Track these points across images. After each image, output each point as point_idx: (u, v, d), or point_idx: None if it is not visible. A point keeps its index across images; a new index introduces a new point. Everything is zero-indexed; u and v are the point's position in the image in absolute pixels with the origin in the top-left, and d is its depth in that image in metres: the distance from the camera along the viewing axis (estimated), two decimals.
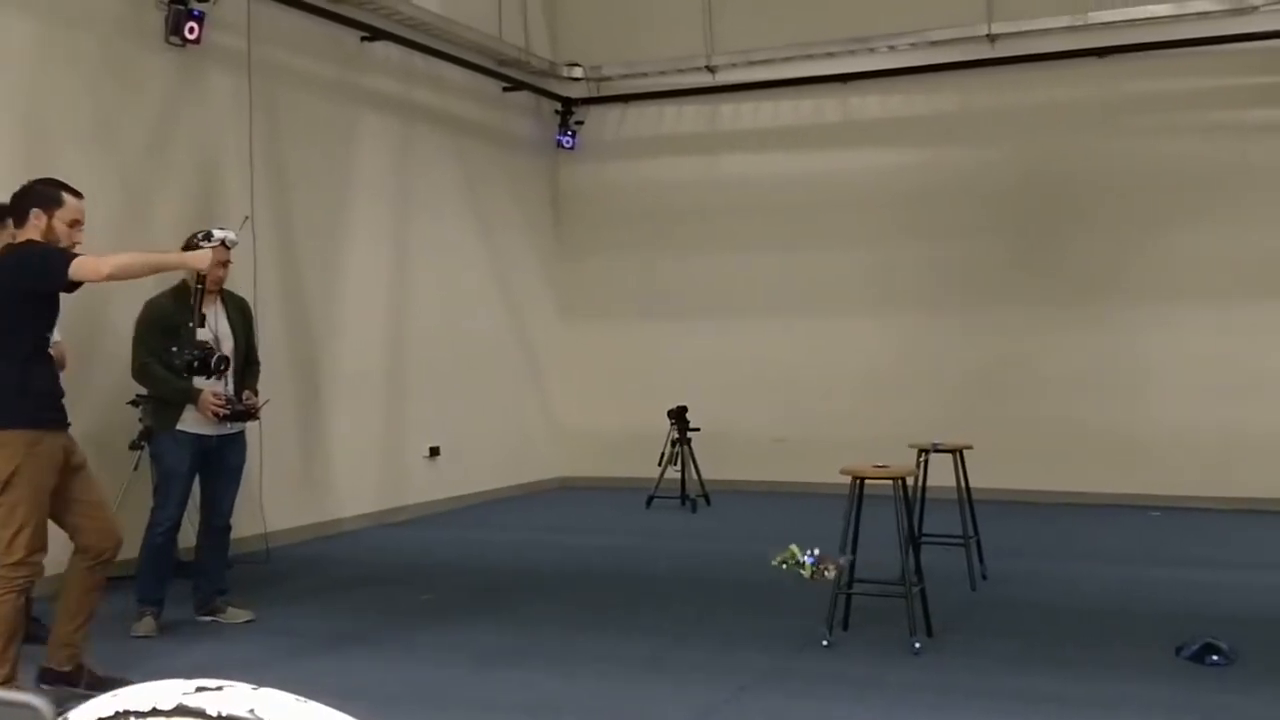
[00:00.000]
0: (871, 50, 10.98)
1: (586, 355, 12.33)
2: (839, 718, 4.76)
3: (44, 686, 4.62)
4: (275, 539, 8.20)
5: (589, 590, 7.33)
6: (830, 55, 11.07)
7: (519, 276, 11.83)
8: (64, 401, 4.77)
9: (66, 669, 4.72)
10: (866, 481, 5.81)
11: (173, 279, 6.09)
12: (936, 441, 7.08)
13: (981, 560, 7.17)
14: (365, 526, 9.46)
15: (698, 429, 10.48)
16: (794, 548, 5.56)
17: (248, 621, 6.22)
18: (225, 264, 6.02)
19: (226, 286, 6.28)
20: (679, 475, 10.37)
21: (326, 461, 9.30)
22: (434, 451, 10.43)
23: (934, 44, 10.74)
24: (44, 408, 4.64)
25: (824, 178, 11.52)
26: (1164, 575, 7.61)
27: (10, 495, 4.50)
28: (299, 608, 6.70)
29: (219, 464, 6.15)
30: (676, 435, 10.44)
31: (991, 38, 10.49)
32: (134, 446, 6.87)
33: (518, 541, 9.19)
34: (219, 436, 6.06)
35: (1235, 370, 10.11)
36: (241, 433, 6.24)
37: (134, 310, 6.14)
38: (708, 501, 10.48)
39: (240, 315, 6.28)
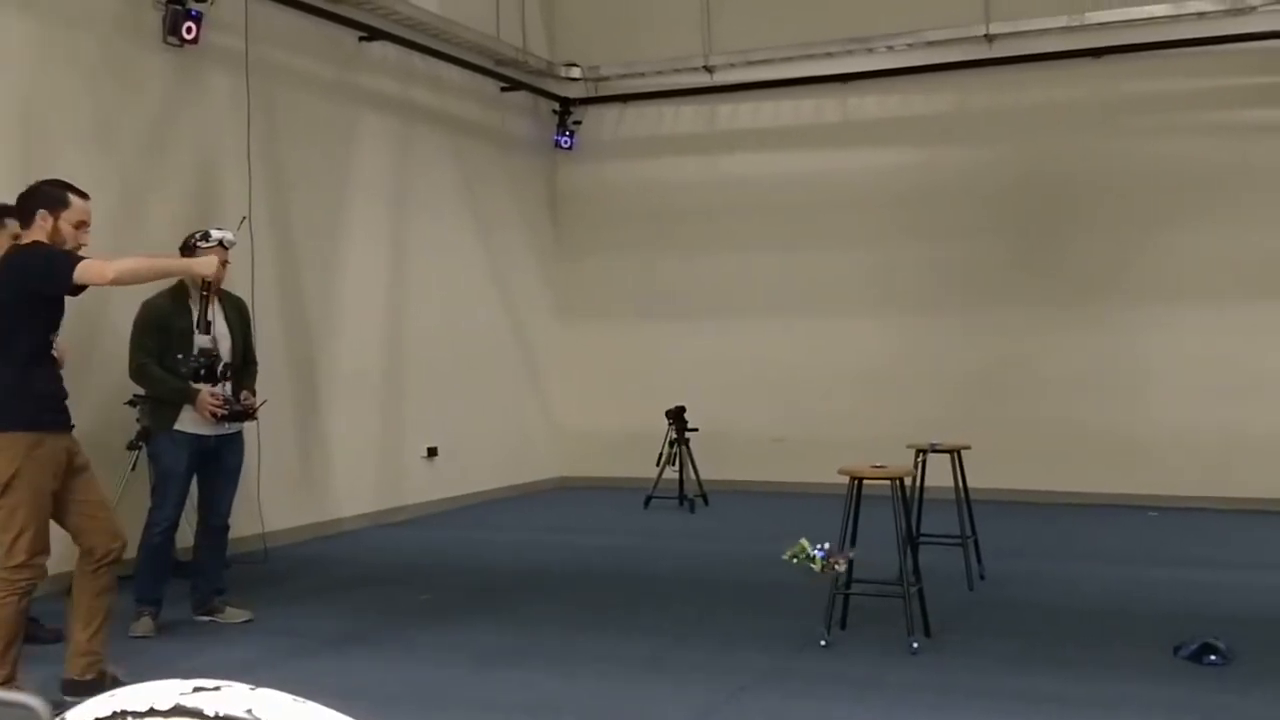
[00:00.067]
0: (870, 50, 10.98)
1: (585, 355, 12.33)
2: (838, 718, 4.76)
3: (68, 699, 4.60)
4: (273, 539, 8.19)
5: (588, 590, 7.33)
6: (829, 55, 11.08)
7: (517, 276, 11.83)
8: (66, 403, 4.75)
9: (89, 678, 4.63)
10: (865, 482, 5.81)
11: (171, 279, 6.08)
12: (934, 442, 7.08)
13: (980, 560, 7.17)
14: (363, 526, 9.46)
15: (696, 429, 10.48)
16: (804, 542, 5.57)
17: (246, 621, 6.22)
18: (223, 264, 6.01)
19: (224, 286, 6.27)
20: (677, 475, 10.37)
21: (325, 461, 9.29)
22: (432, 452, 10.43)
23: (932, 44, 10.74)
24: (46, 409, 4.61)
25: (823, 178, 11.52)
26: (1163, 575, 7.61)
27: (10, 498, 4.48)
28: (297, 608, 6.70)
29: (217, 464, 6.15)
30: (675, 435, 10.44)
31: (989, 38, 10.49)
32: (132, 447, 6.87)
33: (516, 541, 9.19)
34: (217, 437, 6.06)
35: (1234, 370, 10.12)
36: (239, 433, 6.24)
37: (132, 310, 6.13)
38: (706, 502, 10.48)
39: (238, 315, 6.28)
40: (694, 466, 10.43)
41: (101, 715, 1.17)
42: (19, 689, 4.47)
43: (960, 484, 7.05)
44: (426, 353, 10.35)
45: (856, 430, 10.42)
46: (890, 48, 10.92)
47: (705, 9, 11.59)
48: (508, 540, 9.25)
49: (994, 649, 5.68)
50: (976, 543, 7.17)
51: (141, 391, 6.36)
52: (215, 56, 8.23)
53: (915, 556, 5.98)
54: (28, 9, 7.02)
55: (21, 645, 4.63)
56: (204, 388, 5.91)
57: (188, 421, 5.97)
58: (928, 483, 7.03)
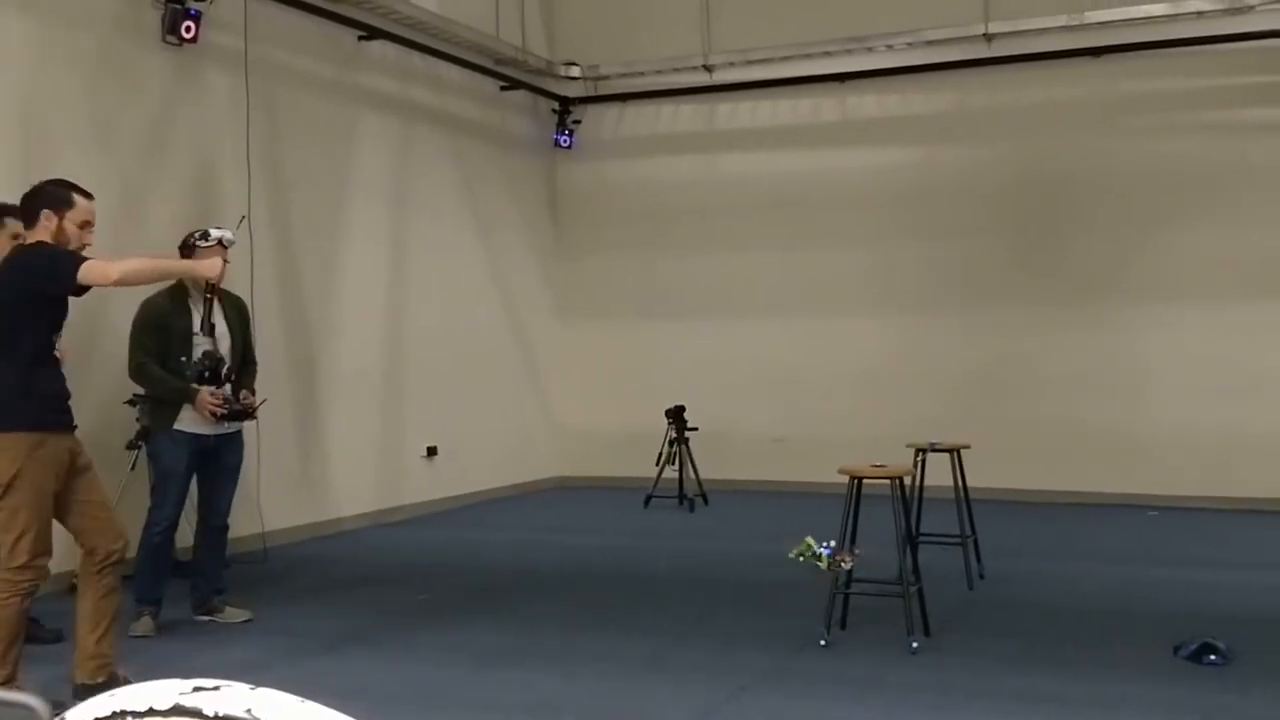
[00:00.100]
0: (869, 50, 10.98)
1: (584, 355, 12.33)
2: (838, 718, 4.75)
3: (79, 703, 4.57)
4: (273, 539, 8.19)
5: (588, 590, 7.33)
6: (828, 55, 11.08)
7: (517, 276, 11.83)
8: (69, 403, 4.73)
9: (100, 680, 4.59)
10: (864, 481, 5.81)
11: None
12: (934, 441, 7.08)
13: (979, 560, 7.17)
14: (363, 526, 9.46)
15: (695, 429, 10.48)
16: (809, 540, 5.57)
17: (245, 621, 6.22)
18: (223, 263, 6.01)
19: (223, 285, 6.25)
20: (677, 475, 10.37)
21: (324, 461, 9.29)
22: (432, 451, 10.42)
23: (931, 43, 10.74)
24: (49, 410, 4.59)
25: (822, 177, 11.52)
26: (1162, 575, 7.61)
27: (12, 499, 4.46)
28: (297, 607, 6.70)
29: (216, 464, 6.15)
30: (674, 435, 10.44)
31: (988, 37, 10.49)
32: (131, 446, 6.87)
33: (516, 541, 9.19)
34: (216, 436, 6.05)
35: (1234, 370, 10.11)
36: (239, 432, 6.23)
37: (132, 310, 6.13)
38: (705, 501, 10.48)
39: (237, 315, 6.28)
40: (694, 466, 10.43)
41: (101, 715, 1.17)
42: (20, 689, 4.47)
43: (960, 483, 7.05)
44: (426, 352, 10.35)
45: (856, 430, 10.42)
46: (889, 47, 10.92)
47: (705, 8, 11.59)
48: (507, 540, 9.25)
49: (993, 649, 5.68)
50: (976, 542, 7.17)
51: (141, 391, 6.35)
52: (214, 56, 8.23)
53: (915, 556, 5.98)
54: (27, 9, 7.02)
55: (23, 645, 4.62)
56: (204, 387, 5.90)
57: (187, 421, 5.97)
58: (927, 482, 7.03)
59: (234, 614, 6.25)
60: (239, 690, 1.16)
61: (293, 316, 8.98)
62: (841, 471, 5.87)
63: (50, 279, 4.53)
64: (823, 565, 5.57)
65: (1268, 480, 9.93)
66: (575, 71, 11.97)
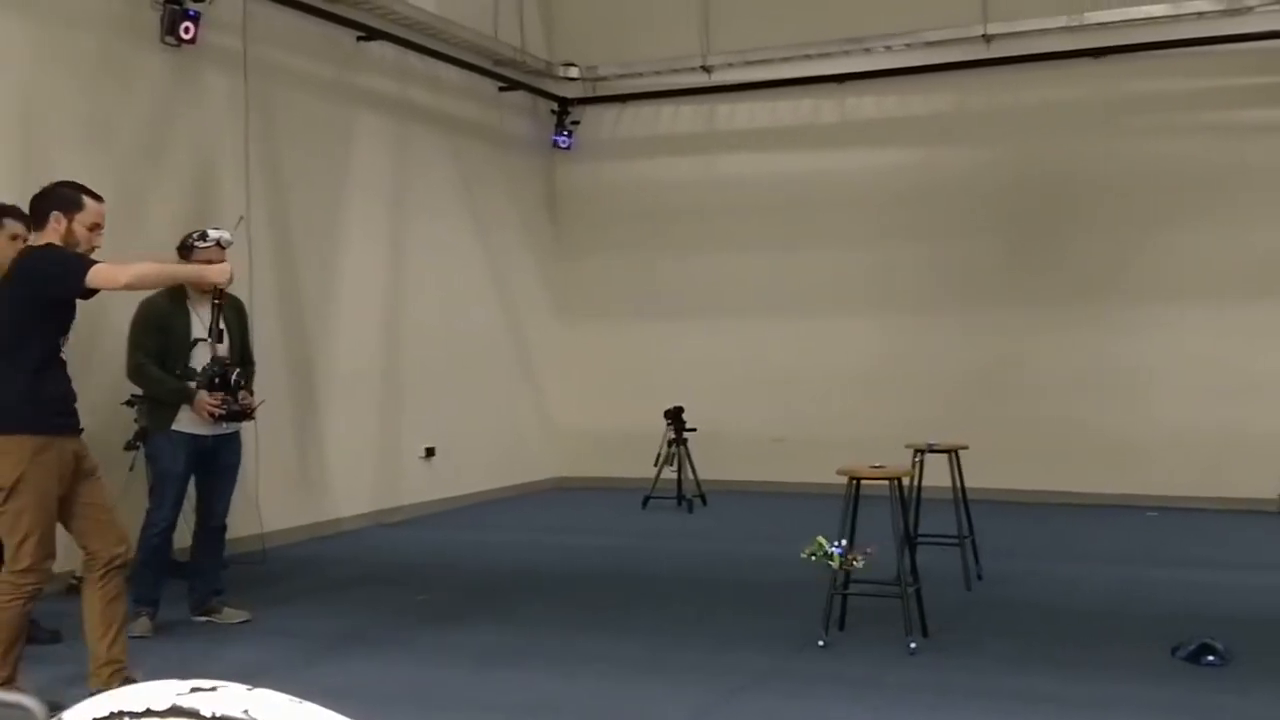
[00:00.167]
0: (867, 51, 10.98)
1: (583, 355, 12.33)
2: (836, 718, 4.76)
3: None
4: (271, 539, 8.18)
5: (586, 591, 7.33)
6: (826, 56, 11.07)
7: (515, 276, 11.83)
8: (75, 406, 4.70)
9: (116, 686, 4.60)
10: (863, 482, 5.81)
11: None
12: (932, 442, 7.08)
13: (977, 560, 7.17)
14: (361, 527, 9.46)
15: (694, 429, 10.47)
16: (821, 539, 5.58)
17: (243, 622, 6.21)
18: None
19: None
20: (675, 476, 10.37)
21: (322, 462, 9.29)
22: (430, 452, 10.42)
23: (930, 44, 10.74)
24: (55, 413, 4.56)
25: (821, 178, 11.52)
26: (1161, 576, 7.61)
27: (15, 502, 4.44)
28: (295, 608, 6.70)
29: (214, 464, 6.14)
30: (673, 435, 10.44)
31: (987, 38, 10.49)
32: (129, 447, 6.86)
33: (514, 542, 9.19)
34: (214, 437, 6.05)
35: (1232, 371, 10.12)
36: (237, 433, 6.23)
37: (131, 310, 6.13)
38: (704, 502, 10.48)
39: (235, 315, 6.26)
40: (692, 467, 10.43)
41: (98, 716, 1.16)
42: (19, 690, 4.46)
43: (958, 484, 7.05)
44: (424, 352, 10.35)
45: (854, 430, 10.42)
46: (888, 48, 10.92)
47: (704, 9, 11.59)
48: (506, 540, 9.25)
49: (992, 649, 5.68)
50: (974, 543, 7.17)
51: (139, 392, 6.35)
52: (213, 56, 8.23)
53: (913, 556, 5.98)
54: (26, 9, 7.02)
55: (23, 647, 4.61)
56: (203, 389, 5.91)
57: (185, 422, 5.96)
58: (926, 483, 7.02)
59: (232, 615, 6.25)
60: (236, 691, 1.16)
61: (291, 317, 8.98)
62: (840, 472, 5.87)
63: (59, 282, 4.50)
64: (835, 565, 5.58)
65: (1266, 481, 9.94)
66: (574, 72, 11.97)
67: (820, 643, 5.63)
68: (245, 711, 1.13)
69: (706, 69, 11.56)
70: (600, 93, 12.27)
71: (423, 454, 10.37)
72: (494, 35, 10.98)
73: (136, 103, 7.72)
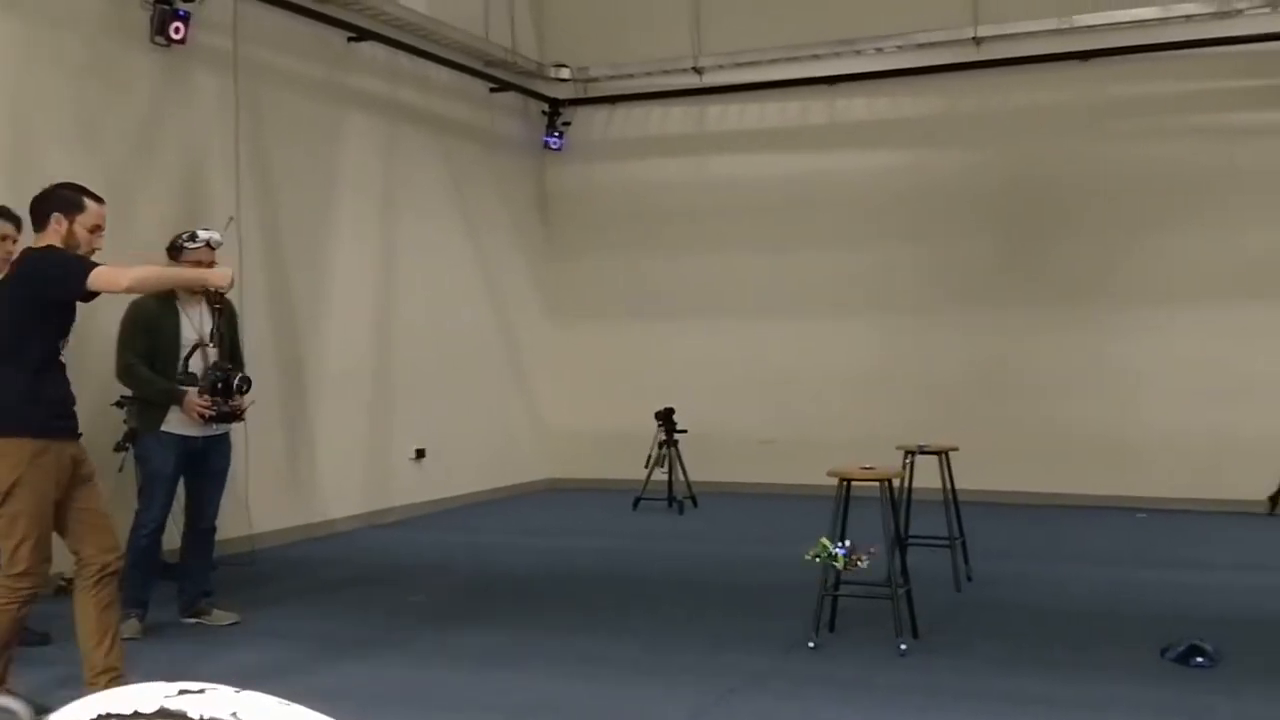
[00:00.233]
0: (858, 53, 11.01)
1: (574, 356, 12.33)
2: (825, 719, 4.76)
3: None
4: (261, 540, 8.17)
5: (577, 592, 7.32)
6: (817, 57, 11.09)
7: (506, 277, 11.82)
8: (75, 409, 4.67)
9: None
10: (853, 483, 5.81)
11: None
12: (923, 443, 7.09)
13: (967, 562, 7.18)
14: (352, 528, 9.44)
15: (685, 430, 10.47)
16: (824, 541, 5.59)
17: (233, 624, 6.20)
18: (210, 265, 6.00)
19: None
20: (666, 477, 10.36)
21: (312, 462, 9.27)
22: (421, 453, 10.40)
23: (920, 47, 10.77)
24: (54, 416, 4.53)
25: (811, 179, 11.53)
26: (1150, 577, 7.63)
27: (12, 505, 4.40)
28: (285, 610, 6.68)
29: (204, 465, 6.13)
30: (664, 437, 10.44)
31: (977, 40, 10.52)
32: (119, 448, 6.83)
33: (505, 543, 9.18)
34: (204, 438, 6.04)
35: (1222, 373, 10.14)
36: (227, 434, 6.22)
37: (120, 311, 6.10)
38: (695, 503, 10.48)
39: (226, 318, 6.25)
40: (683, 468, 10.43)
41: (86, 719, 1.16)
42: (8, 693, 4.44)
43: (948, 485, 7.06)
44: (415, 353, 10.33)
45: (845, 431, 10.42)
46: (878, 50, 10.95)
47: (694, 11, 11.59)
48: (496, 542, 9.24)
49: (982, 650, 5.69)
50: (964, 544, 7.17)
51: (129, 392, 6.33)
52: (203, 56, 8.21)
53: (903, 558, 5.99)
54: (13, 9, 6.99)
55: (14, 651, 4.59)
56: (193, 390, 5.89)
57: (175, 423, 5.95)
58: (916, 484, 7.02)
59: (221, 616, 6.24)
60: (224, 693, 1.15)
61: (281, 317, 8.96)
62: (831, 474, 5.87)
63: (59, 284, 4.47)
64: (839, 565, 5.59)
65: (1256, 482, 9.97)
66: (565, 73, 11.97)
67: (810, 644, 5.63)
68: (233, 714, 1.12)
69: (697, 70, 11.57)
70: (591, 94, 12.28)
71: (413, 455, 10.36)
72: (485, 36, 10.98)
73: (126, 103, 7.70)
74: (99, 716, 1.15)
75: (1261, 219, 10.12)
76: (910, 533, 6.83)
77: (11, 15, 6.98)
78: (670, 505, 10.33)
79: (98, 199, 4.67)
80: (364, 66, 9.90)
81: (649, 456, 10.40)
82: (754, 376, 11.58)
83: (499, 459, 11.53)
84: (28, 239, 4.90)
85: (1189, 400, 10.23)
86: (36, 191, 4.71)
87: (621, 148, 12.28)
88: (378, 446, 10.00)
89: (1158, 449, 10.28)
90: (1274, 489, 9.99)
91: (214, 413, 5.92)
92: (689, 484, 10.46)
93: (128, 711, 1.14)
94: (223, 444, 6.20)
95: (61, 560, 4.86)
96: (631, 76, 11.83)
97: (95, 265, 4.45)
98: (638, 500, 10.39)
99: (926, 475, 7.03)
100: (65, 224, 4.55)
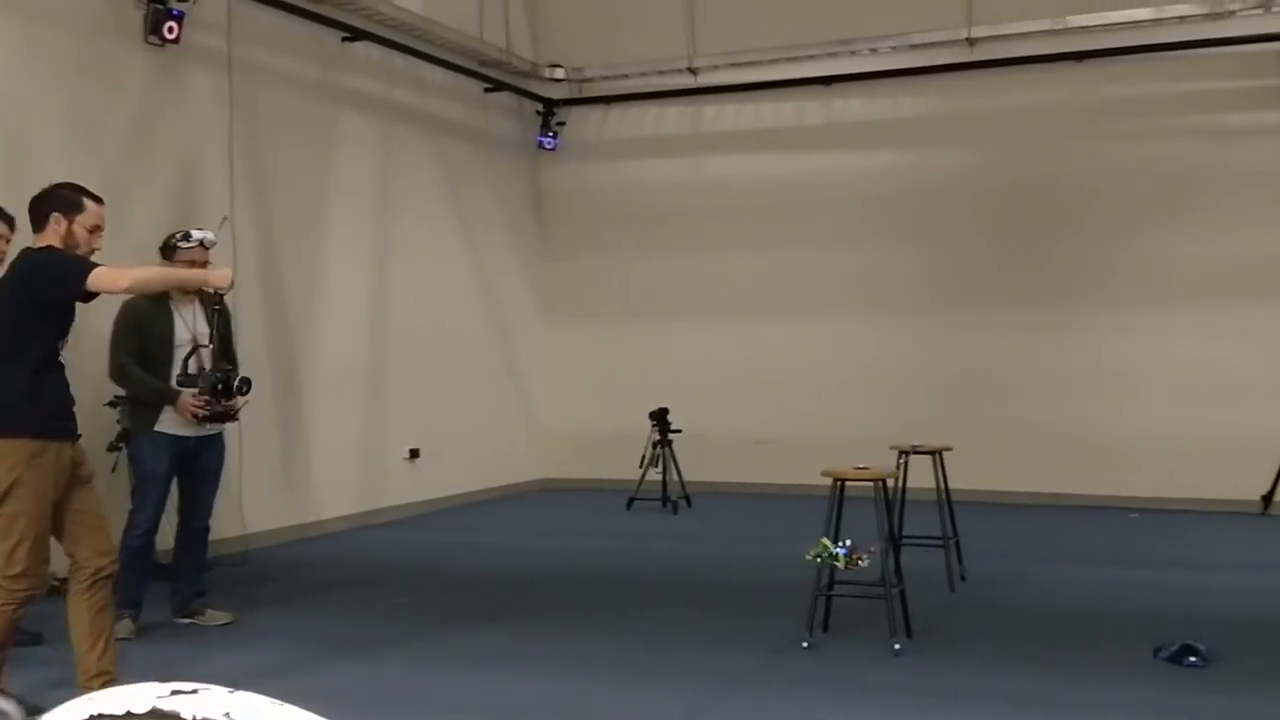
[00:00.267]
0: (853, 53, 11.01)
1: (568, 356, 12.32)
2: (820, 719, 4.76)
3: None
4: (255, 541, 8.16)
5: (570, 592, 7.32)
6: (812, 58, 11.10)
7: (500, 277, 11.82)
8: (74, 410, 4.65)
9: None
10: (847, 483, 5.82)
11: None
12: (917, 443, 7.10)
13: (961, 562, 7.19)
14: (346, 528, 9.43)
15: (679, 430, 10.48)
16: (825, 541, 5.61)
17: (226, 624, 6.19)
18: (204, 264, 6.00)
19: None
20: (660, 477, 10.37)
21: (306, 463, 9.26)
22: (415, 453, 10.40)
23: (915, 47, 10.79)
24: (53, 417, 4.51)
25: (806, 180, 11.54)
26: (1144, 577, 7.64)
27: (10, 506, 4.37)
28: (279, 610, 6.67)
29: (197, 465, 6.12)
30: (658, 437, 10.44)
31: (971, 41, 10.53)
32: (112, 448, 6.83)
33: (499, 543, 9.17)
34: (198, 438, 6.03)
35: (1215, 373, 10.16)
36: (220, 434, 6.21)
37: (112, 311, 6.09)
38: (689, 503, 10.49)
39: (220, 318, 6.24)
40: (677, 468, 10.43)
41: (78, 719, 1.16)
42: (3, 693, 4.44)
43: (942, 485, 7.07)
44: (409, 353, 10.33)
45: (839, 432, 10.43)
46: (873, 50, 10.96)
47: (689, 11, 11.60)
48: (491, 542, 9.23)
49: (975, 650, 5.69)
50: (958, 544, 7.18)
51: (121, 392, 6.32)
52: (197, 56, 8.20)
53: (897, 558, 5.99)
54: (7, 8, 6.97)
55: (9, 652, 4.58)
56: (186, 390, 5.89)
57: (168, 422, 5.94)
58: (910, 484, 7.04)
59: (215, 617, 6.23)
60: (217, 694, 1.15)
61: (275, 317, 8.95)
62: (825, 474, 5.87)
63: (59, 284, 4.45)
64: (840, 565, 5.60)
65: (1249, 482, 9.99)
66: (560, 73, 11.97)
67: (804, 644, 5.64)
68: (226, 714, 1.12)
69: (692, 70, 11.57)
70: (586, 94, 12.27)
71: (408, 455, 10.35)
72: (479, 36, 10.97)
73: (120, 103, 7.69)
74: (92, 717, 1.15)
75: (1255, 219, 10.14)
76: (904, 533, 6.84)
77: (5, 15, 6.96)
78: (664, 505, 10.34)
79: (97, 199, 4.66)
80: (359, 66, 9.89)
81: (643, 457, 10.41)
82: (749, 376, 11.58)
83: (493, 459, 11.53)
84: (22, 238, 4.89)
85: (1183, 400, 10.24)
86: (30, 191, 4.70)
87: (616, 148, 12.28)
88: (372, 446, 10.00)
89: (1152, 449, 10.30)
90: (1268, 488, 10.01)
91: (207, 412, 5.92)
92: (683, 484, 10.46)
93: (120, 712, 1.14)
94: (216, 444, 6.19)
95: (57, 560, 4.84)
96: (626, 77, 11.83)
97: (95, 266, 4.43)
98: (632, 500, 10.39)
99: (920, 475, 7.04)
100: (64, 224, 4.53)
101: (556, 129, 12.24)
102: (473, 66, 11.12)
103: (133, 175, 7.73)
